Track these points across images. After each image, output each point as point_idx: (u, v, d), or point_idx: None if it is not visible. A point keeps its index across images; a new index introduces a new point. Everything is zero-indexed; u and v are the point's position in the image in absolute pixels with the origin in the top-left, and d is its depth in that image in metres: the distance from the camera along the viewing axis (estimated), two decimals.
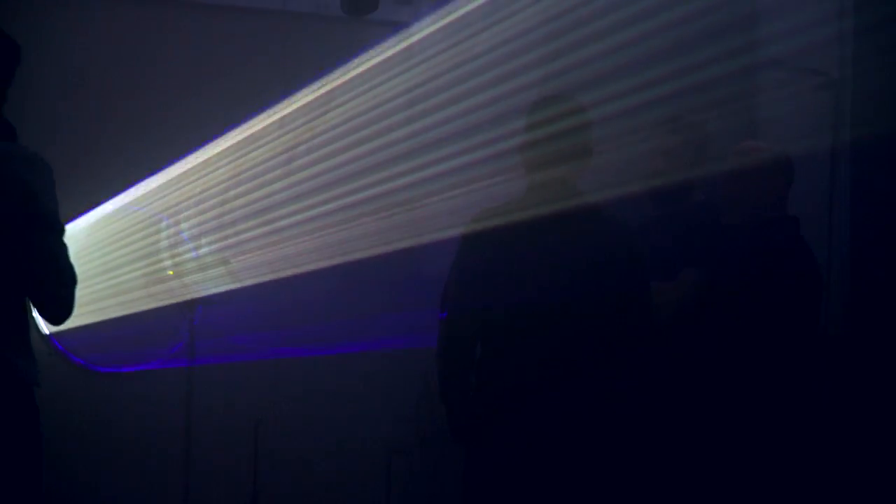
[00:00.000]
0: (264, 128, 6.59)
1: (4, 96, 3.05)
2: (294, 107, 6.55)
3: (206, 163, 6.61)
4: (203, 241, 6.73)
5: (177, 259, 6.17)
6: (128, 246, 6.43)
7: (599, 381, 3.31)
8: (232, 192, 6.72)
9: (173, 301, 6.08)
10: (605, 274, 3.33)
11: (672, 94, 4.87)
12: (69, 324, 3.11)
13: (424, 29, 6.32)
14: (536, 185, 3.42)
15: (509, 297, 3.29)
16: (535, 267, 3.29)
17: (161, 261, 6.08)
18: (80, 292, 2.95)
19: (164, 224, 6.67)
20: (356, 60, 6.42)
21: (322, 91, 6.49)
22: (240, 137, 6.60)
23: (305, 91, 6.51)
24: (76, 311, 2.99)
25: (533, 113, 3.48)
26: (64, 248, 2.95)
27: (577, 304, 3.27)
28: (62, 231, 2.96)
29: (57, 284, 2.92)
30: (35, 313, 3.14)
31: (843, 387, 4.55)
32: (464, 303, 3.32)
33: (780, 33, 5.10)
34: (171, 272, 6.01)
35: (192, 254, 6.62)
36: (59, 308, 2.94)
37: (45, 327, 6.01)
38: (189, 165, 6.56)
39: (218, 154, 6.63)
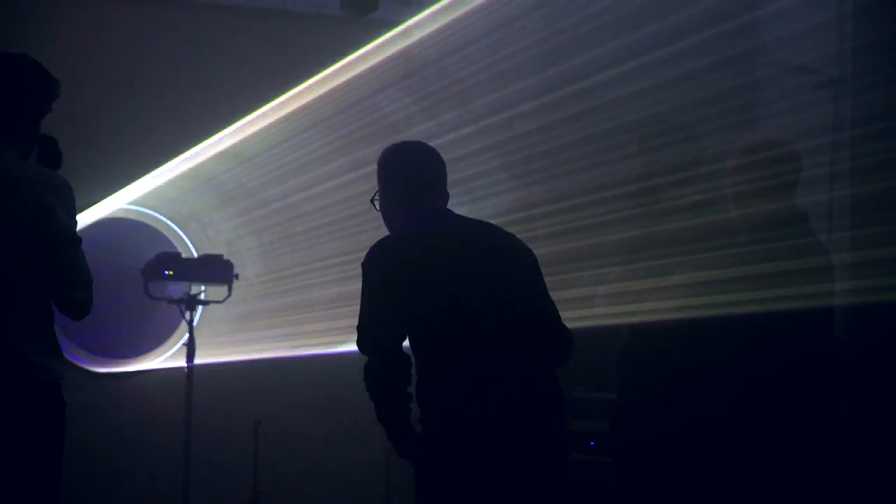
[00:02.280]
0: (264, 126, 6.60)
1: (39, 126, 3.39)
2: (293, 106, 6.56)
3: (204, 160, 6.62)
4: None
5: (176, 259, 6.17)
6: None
7: (544, 383, 3.27)
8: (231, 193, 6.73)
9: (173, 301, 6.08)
10: (515, 281, 3.31)
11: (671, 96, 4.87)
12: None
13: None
14: (415, 213, 3.38)
15: (433, 318, 3.20)
16: (450, 284, 3.21)
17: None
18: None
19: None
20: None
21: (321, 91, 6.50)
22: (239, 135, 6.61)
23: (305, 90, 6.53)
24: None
25: (391, 160, 3.45)
26: (80, 256, 3.33)
27: (500, 313, 3.23)
28: (79, 241, 3.34)
29: (73, 289, 3.31)
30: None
31: (847, 389, 4.54)
32: (386, 331, 3.22)
33: (781, 34, 5.10)
34: (170, 272, 6.00)
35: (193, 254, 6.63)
36: (76, 308, 3.35)
37: None
38: (188, 163, 6.57)
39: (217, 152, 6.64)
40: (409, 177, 3.40)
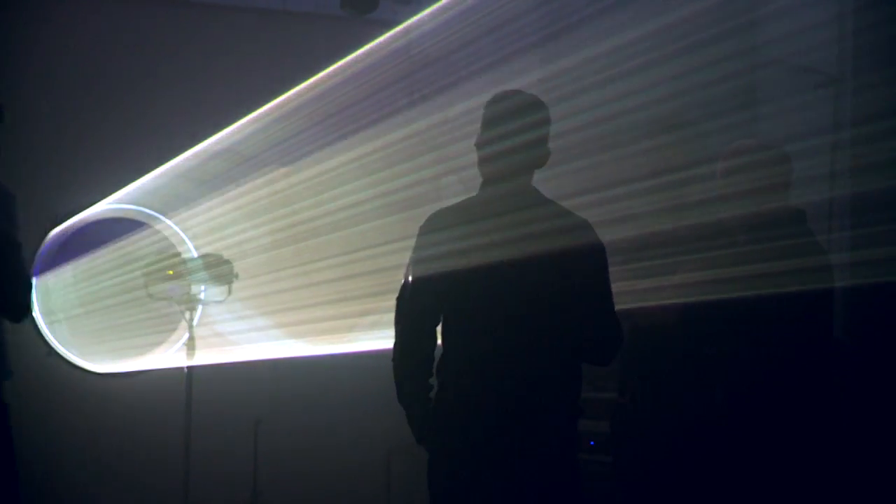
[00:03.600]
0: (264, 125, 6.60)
1: None
2: (292, 105, 6.56)
3: (205, 159, 6.61)
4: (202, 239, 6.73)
5: (176, 259, 6.17)
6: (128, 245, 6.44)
7: (560, 382, 3.24)
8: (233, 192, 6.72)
9: (174, 301, 6.08)
10: (565, 274, 3.24)
11: (673, 95, 4.87)
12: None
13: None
14: (489, 183, 3.34)
15: (466, 297, 3.20)
16: (492, 266, 3.18)
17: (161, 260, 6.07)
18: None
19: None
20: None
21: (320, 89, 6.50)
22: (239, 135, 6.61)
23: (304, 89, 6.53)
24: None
25: (489, 108, 3.38)
26: (20, 261, 3.47)
27: (536, 304, 3.20)
28: (19, 247, 3.46)
29: (15, 293, 3.44)
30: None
31: (846, 389, 4.54)
32: (420, 305, 3.23)
33: (781, 33, 5.10)
34: (170, 272, 6.00)
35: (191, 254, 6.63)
36: (18, 311, 3.48)
37: (44, 327, 6.02)
38: (188, 163, 6.57)
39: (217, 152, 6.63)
40: (503, 137, 3.31)
